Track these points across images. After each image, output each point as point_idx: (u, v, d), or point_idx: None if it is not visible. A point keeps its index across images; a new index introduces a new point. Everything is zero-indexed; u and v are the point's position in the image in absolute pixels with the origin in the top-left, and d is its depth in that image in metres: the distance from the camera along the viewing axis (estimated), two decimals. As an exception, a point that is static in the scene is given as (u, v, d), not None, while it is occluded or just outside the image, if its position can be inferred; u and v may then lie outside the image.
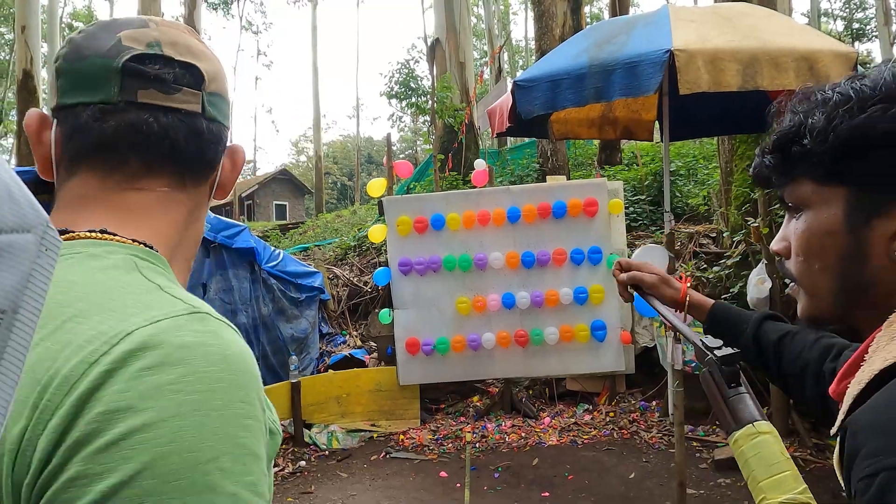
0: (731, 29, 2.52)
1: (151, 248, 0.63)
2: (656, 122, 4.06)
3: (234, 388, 0.52)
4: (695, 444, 4.67)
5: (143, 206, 0.66)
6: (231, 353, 0.53)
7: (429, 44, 11.49)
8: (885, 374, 0.64)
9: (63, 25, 21.87)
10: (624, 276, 1.27)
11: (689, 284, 1.24)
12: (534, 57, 10.54)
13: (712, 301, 1.22)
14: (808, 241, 0.70)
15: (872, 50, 21.79)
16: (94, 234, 0.61)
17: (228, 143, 0.74)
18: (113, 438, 0.47)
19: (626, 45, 2.56)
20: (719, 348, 0.79)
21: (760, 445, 0.70)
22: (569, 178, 8.55)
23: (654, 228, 7.06)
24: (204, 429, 0.49)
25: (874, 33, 20.09)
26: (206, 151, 0.69)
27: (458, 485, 4.29)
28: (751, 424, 0.72)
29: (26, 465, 0.47)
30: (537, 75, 2.72)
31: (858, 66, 2.50)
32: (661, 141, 3.48)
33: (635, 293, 1.25)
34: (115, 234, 0.62)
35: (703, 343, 0.82)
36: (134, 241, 0.62)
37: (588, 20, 23.50)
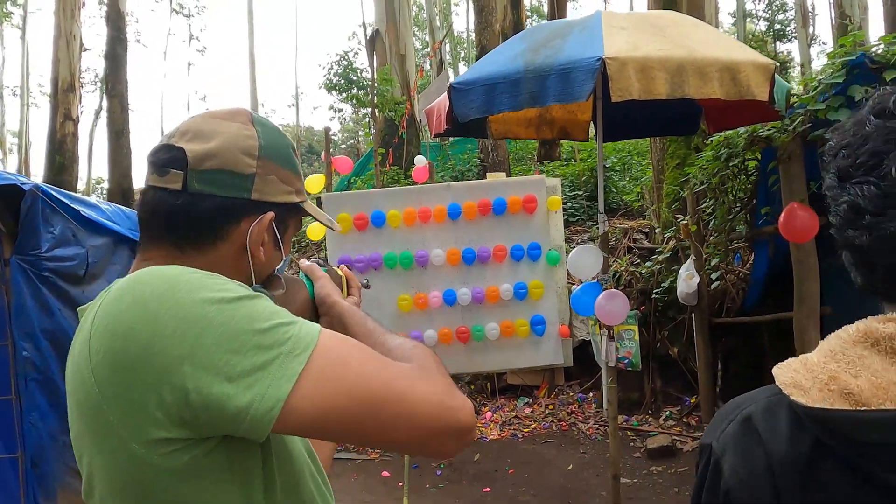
0: (661, 38, 2.60)
1: None
2: (591, 122, 4.15)
3: None
4: (629, 433, 4.85)
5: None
6: None
7: (368, 35, 11.32)
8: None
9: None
10: None
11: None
12: (475, 50, 10.57)
13: None
14: None
15: (792, 50, 23.07)
16: None
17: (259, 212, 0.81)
18: None
19: (561, 50, 2.59)
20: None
21: None
22: (509, 173, 8.65)
23: (591, 223, 7.25)
24: None
25: (794, 34, 21.25)
26: (195, 223, 0.78)
27: (401, 484, 4.29)
28: None
29: None
30: (473, 78, 2.72)
31: (776, 76, 2.63)
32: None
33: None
34: None
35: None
36: None
37: (528, 13, 23.75)
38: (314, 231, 5.46)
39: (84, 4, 14.44)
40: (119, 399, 0.65)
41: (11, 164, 26.50)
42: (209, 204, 0.77)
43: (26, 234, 3.16)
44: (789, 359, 0.69)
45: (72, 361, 0.73)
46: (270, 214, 0.81)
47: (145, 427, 0.65)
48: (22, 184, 3.13)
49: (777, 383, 0.64)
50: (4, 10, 22.82)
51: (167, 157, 0.78)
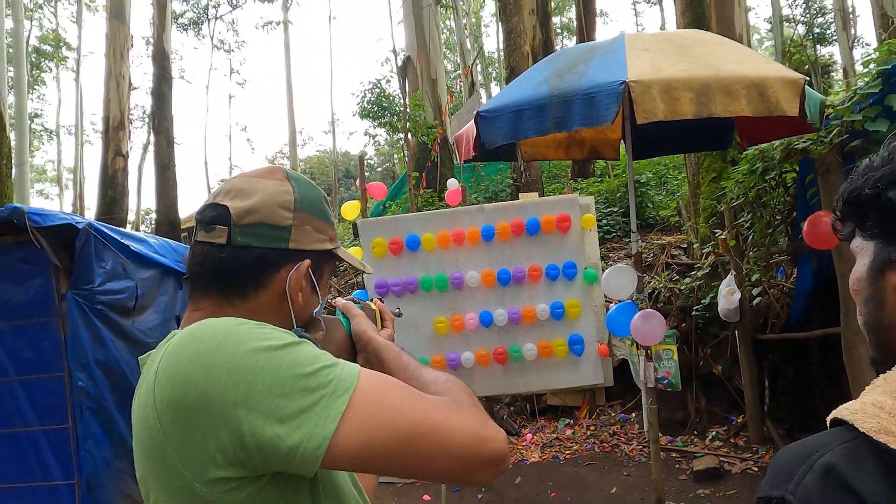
0: (685, 57, 2.60)
1: None
2: (622, 140, 4.14)
3: None
4: (674, 454, 4.73)
5: (198, 319, 0.83)
6: None
7: (399, 61, 11.56)
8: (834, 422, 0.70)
9: (30, 49, 21.55)
10: None
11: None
12: (505, 71, 10.67)
13: None
14: (852, 287, 0.79)
15: (834, 53, 22.40)
16: None
17: (297, 260, 0.87)
18: None
19: (585, 74, 2.62)
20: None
21: None
22: (543, 192, 8.63)
23: (627, 240, 7.15)
24: None
25: (834, 37, 20.65)
26: (239, 273, 0.85)
27: (441, 508, 4.28)
28: None
29: None
30: (499, 106, 2.77)
31: (806, 89, 2.59)
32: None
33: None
34: None
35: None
36: None
37: (558, 30, 23.81)
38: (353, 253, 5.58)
39: (132, 45, 15.24)
40: (182, 443, 0.72)
41: (68, 199, 27.88)
42: (251, 255, 0.84)
43: (81, 269, 3.33)
44: (851, 402, 0.68)
45: (137, 409, 0.80)
46: (307, 262, 0.88)
47: (206, 467, 0.71)
48: (76, 223, 3.32)
49: (863, 430, 0.63)
50: (60, 54, 24.24)
51: (213, 215, 0.86)
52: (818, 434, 0.69)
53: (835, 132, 3.07)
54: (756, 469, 4.30)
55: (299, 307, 0.88)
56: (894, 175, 0.69)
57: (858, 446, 0.64)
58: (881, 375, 0.72)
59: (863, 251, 0.76)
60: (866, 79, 3.02)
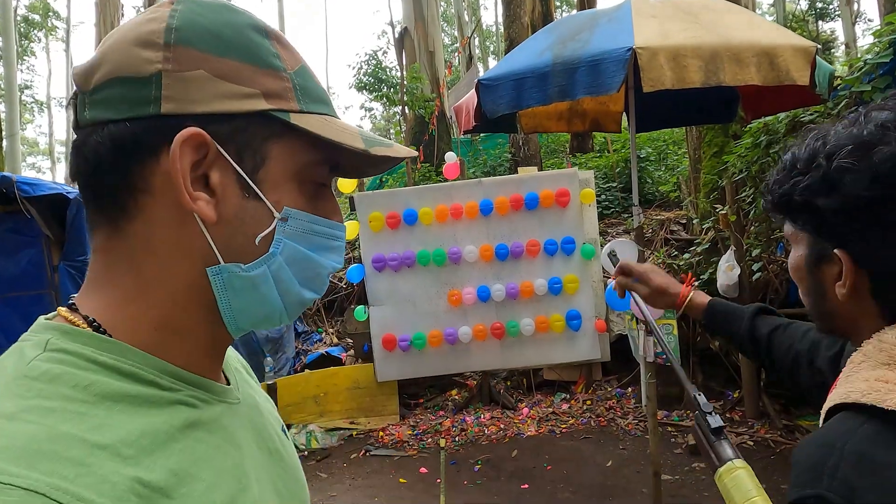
0: (693, 24, 2.52)
1: (96, 326, 0.49)
2: (624, 112, 4.07)
3: None
4: (669, 429, 4.76)
5: (92, 268, 0.53)
6: None
7: (396, 33, 11.35)
8: (834, 409, 0.69)
9: (18, 18, 21.09)
10: (621, 280, 1.36)
11: (691, 286, 1.32)
12: (504, 43, 10.50)
13: (709, 299, 1.28)
14: (792, 273, 0.83)
15: (836, 29, 22.13)
16: (62, 310, 0.51)
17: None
18: None
19: (590, 42, 2.54)
20: (711, 413, 0.92)
21: (738, 478, 0.83)
22: (541, 167, 8.56)
23: (626, 215, 7.12)
24: None
25: (837, 12, 20.40)
26: (99, 172, 0.49)
27: (439, 480, 4.31)
28: (731, 462, 0.85)
29: None
30: (501, 74, 2.70)
31: (817, 59, 2.52)
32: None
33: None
34: (75, 310, 0.51)
35: (698, 401, 0.97)
36: (85, 317, 0.50)
37: (557, 2, 23.43)
38: (347, 230, 5.52)
39: (123, 15, 14.90)
40: None
41: (60, 172, 27.61)
42: (102, 136, 0.48)
43: (73, 240, 3.28)
44: (851, 385, 0.68)
45: None
46: (190, 131, 0.47)
47: None
48: (67, 192, 3.25)
49: (889, 407, 0.63)
50: (50, 24, 23.75)
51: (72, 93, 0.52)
52: (827, 425, 0.69)
53: (843, 104, 3.01)
54: (751, 443, 4.33)
55: (216, 223, 0.50)
56: (822, 183, 0.71)
57: (879, 426, 0.63)
58: (854, 353, 0.74)
59: (798, 241, 0.80)
60: (876, 49, 2.95)
